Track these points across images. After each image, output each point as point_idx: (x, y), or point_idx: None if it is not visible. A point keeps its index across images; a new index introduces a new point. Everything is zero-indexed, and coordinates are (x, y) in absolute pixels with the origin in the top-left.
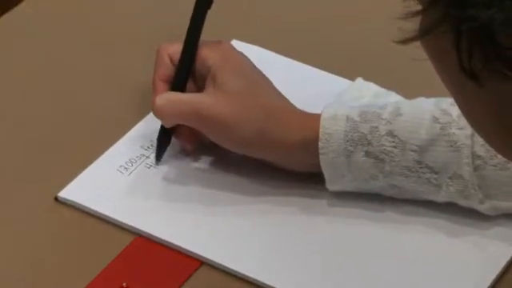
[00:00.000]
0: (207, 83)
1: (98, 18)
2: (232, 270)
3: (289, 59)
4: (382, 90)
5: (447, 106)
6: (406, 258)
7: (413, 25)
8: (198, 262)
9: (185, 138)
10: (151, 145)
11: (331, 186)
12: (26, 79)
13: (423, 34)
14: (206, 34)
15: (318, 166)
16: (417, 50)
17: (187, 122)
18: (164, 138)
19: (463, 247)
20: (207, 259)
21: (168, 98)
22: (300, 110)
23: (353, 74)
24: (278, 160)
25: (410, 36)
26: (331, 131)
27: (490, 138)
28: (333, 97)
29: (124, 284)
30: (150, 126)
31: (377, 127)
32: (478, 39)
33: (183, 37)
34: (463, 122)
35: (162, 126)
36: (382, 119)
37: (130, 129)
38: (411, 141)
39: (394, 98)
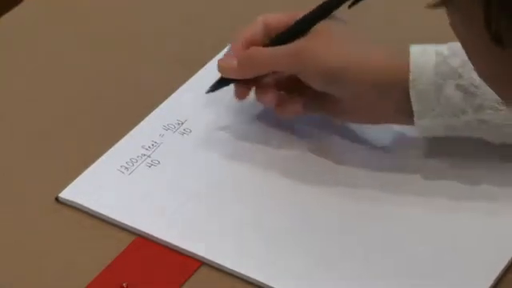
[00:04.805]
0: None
1: (98, 17)
2: (232, 270)
3: None
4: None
5: None
6: (407, 255)
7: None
8: (197, 262)
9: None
10: (152, 144)
11: (420, 120)
12: (26, 79)
13: None
14: (206, 34)
15: (400, 108)
16: None
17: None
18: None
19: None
20: (207, 259)
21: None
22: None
23: None
24: (358, 103)
25: (439, 0)
26: (421, 63)
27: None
28: None
29: (124, 284)
30: (150, 125)
31: (468, 60)
32: (507, 4)
33: (185, 36)
34: None
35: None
36: None
37: (131, 128)
38: None
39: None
